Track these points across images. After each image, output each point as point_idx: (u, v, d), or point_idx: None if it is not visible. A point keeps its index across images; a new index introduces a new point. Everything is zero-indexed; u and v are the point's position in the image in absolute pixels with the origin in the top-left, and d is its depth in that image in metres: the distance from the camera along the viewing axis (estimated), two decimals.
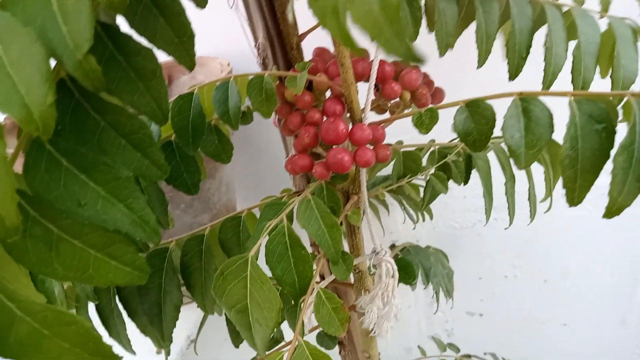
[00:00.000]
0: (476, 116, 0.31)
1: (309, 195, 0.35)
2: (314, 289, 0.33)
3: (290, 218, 0.35)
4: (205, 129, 0.34)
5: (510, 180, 0.50)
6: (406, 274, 0.53)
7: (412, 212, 0.69)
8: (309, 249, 0.36)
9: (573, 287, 0.92)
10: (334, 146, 0.34)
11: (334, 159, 0.33)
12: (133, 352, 0.48)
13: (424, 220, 0.70)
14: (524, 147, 0.29)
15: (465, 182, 0.49)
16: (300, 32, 0.37)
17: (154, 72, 0.25)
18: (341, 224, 0.40)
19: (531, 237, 0.89)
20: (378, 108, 0.43)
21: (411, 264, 0.54)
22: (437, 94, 0.42)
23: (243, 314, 0.31)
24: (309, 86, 0.37)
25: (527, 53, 0.37)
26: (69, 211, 0.23)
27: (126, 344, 0.46)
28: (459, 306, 1.01)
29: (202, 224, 0.73)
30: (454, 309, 1.01)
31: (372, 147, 0.34)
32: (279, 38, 0.36)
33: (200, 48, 0.82)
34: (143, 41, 0.25)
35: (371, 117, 0.36)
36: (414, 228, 0.91)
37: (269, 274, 0.32)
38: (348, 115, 0.36)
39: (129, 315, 0.45)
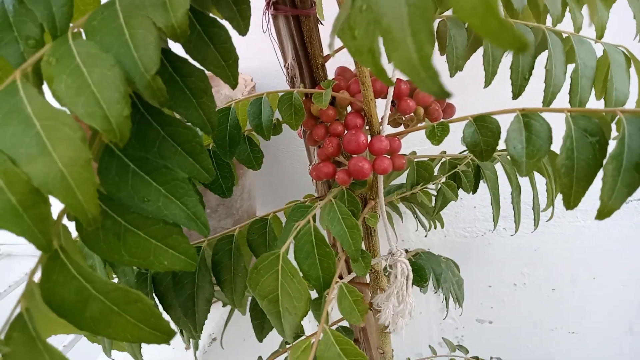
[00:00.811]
0: (483, 129, 0.35)
1: (332, 199, 0.39)
2: (337, 283, 0.37)
3: (314, 219, 0.39)
4: (239, 139, 0.39)
5: (516, 189, 0.54)
6: (418, 277, 0.57)
7: (424, 220, 0.73)
8: None
9: (581, 295, 0.95)
10: (354, 155, 0.38)
11: (355, 166, 0.37)
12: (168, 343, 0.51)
13: (435, 228, 0.74)
14: (525, 157, 0.33)
15: (474, 191, 0.53)
16: (325, 54, 0.42)
17: (205, 91, 0.30)
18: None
19: (540, 246, 0.92)
20: (394, 122, 0.47)
21: (423, 268, 0.58)
22: (448, 109, 0.46)
23: (274, 303, 0.36)
24: (332, 102, 0.41)
25: (530, 75, 0.41)
26: (136, 207, 0.27)
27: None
28: (469, 313, 1.04)
29: (225, 229, 0.78)
30: (464, 316, 1.04)
31: (389, 157, 0.38)
32: (306, 59, 0.41)
33: None
34: (196, 64, 0.30)
35: (388, 130, 0.40)
36: (425, 236, 0.95)
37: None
38: (367, 127, 0.40)
39: (165, 308, 0.49)
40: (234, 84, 0.32)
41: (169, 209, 0.28)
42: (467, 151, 0.36)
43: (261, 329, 0.56)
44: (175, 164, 0.29)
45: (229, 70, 0.31)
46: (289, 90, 0.39)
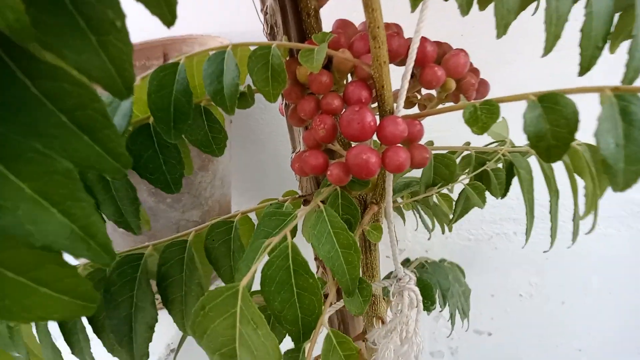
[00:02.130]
0: (552, 115, 0.23)
1: (321, 205, 0.27)
2: (322, 329, 0.25)
3: (293, 232, 0.27)
4: (192, 111, 0.26)
5: (555, 195, 0.42)
6: (425, 298, 0.46)
7: (428, 220, 0.61)
8: (312, 266, 0.28)
9: (592, 310, 0.85)
10: (356, 143, 0.26)
11: (356, 159, 0.25)
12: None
13: (432, 229, 0.62)
14: (622, 161, 0.21)
15: (503, 195, 0.41)
16: None
17: (114, 22, 0.17)
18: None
19: (551, 255, 0.81)
20: (406, 100, 0.35)
21: (430, 287, 0.47)
22: (482, 88, 0.34)
23: (232, 359, 0.24)
24: (328, 65, 0.29)
25: (605, 42, 0.29)
26: None
27: None
28: (466, 323, 0.93)
29: (191, 221, 0.65)
30: (460, 325, 0.93)
31: (405, 148, 0.26)
32: (292, 1, 0.28)
33: (201, 27, 0.74)
34: None
35: (402, 110, 0.28)
36: (429, 238, 0.83)
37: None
38: (376, 105, 0.28)
39: (95, 331, 0.38)
40: (169, 19, 0.19)
41: (37, 223, 0.16)
42: (528, 144, 0.25)
43: None
44: (59, 145, 0.17)
45: None
46: (265, 43, 0.26)
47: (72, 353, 0.38)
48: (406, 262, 0.55)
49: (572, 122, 0.23)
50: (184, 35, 0.70)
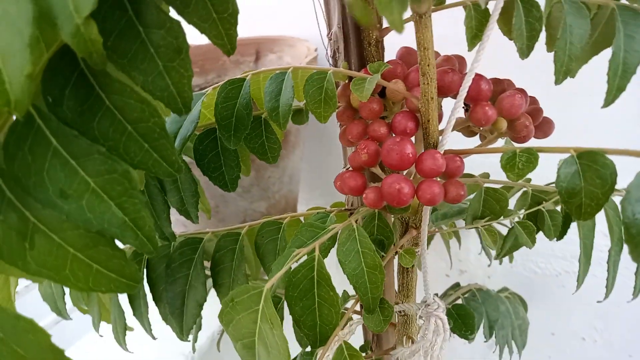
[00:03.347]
0: (589, 173, 0.23)
1: (354, 224, 0.28)
2: (336, 339, 0.27)
3: (327, 248, 0.30)
4: (251, 122, 0.29)
5: (617, 244, 0.40)
6: (464, 325, 0.45)
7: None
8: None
9: None
10: (393, 172, 0.28)
11: (390, 188, 0.26)
12: (153, 337, 0.45)
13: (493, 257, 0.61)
14: None
15: (559, 238, 0.40)
16: (383, 26, 0.31)
17: (179, 51, 0.20)
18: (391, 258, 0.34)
19: (621, 301, 0.75)
20: (466, 130, 0.35)
21: (472, 316, 0.46)
22: (544, 127, 0.34)
23: (250, 350, 0.26)
24: (382, 93, 0.30)
25: None
26: (47, 201, 0.19)
27: (147, 326, 0.44)
28: (522, 357, 0.89)
29: (258, 212, 0.70)
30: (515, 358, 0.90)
31: (441, 182, 0.27)
32: (355, 29, 0.30)
33: (290, 29, 0.78)
34: (173, 12, 0.21)
35: (450, 144, 0.29)
36: (488, 265, 0.81)
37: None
38: (422, 137, 0.29)
39: (154, 299, 0.43)
40: (228, 49, 0.22)
41: (96, 211, 0.20)
42: (560, 200, 0.24)
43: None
44: (123, 149, 0.20)
45: (223, 27, 0.22)
46: (322, 69, 0.28)
47: (134, 315, 0.43)
48: (455, 287, 0.54)
49: (607, 183, 0.23)
50: (275, 36, 0.74)
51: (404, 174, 0.30)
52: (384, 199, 0.27)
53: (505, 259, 0.85)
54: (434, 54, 0.26)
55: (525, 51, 0.27)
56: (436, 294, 0.52)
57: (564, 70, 0.27)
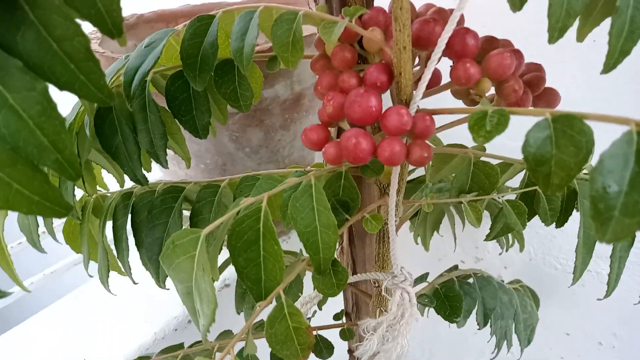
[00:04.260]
0: (563, 140, 0.20)
1: (312, 179, 0.27)
2: (278, 295, 0.26)
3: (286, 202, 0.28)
4: (214, 63, 0.28)
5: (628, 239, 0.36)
6: (450, 308, 0.43)
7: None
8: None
9: None
10: (354, 127, 0.25)
11: (347, 142, 0.24)
12: (133, 282, 0.46)
13: (509, 245, 0.57)
14: (618, 210, 0.18)
15: (560, 224, 0.37)
16: None
17: None
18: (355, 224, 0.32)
19: None
20: (467, 97, 0.32)
21: (459, 298, 0.44)
22: (547, 97, 0.30)
23: (189, 295, 0.26)
24: (361, 42, 0.28)
25: None
26: None
27: (127, 270, 0.44)
28: (533, 355, 0.85)
29: None
30: (525, 357, 0.86)
31: (403, 141, 0.25)
32: None
33: None
34: None
35: (426, 102, 0.26)
36: (500, 254, 0.77)
37: None
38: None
39: (136, 244, 0.43)
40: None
41: (11, 128, 0.19)
42: (525, 167, 0.21)
43: (242, 300, 0.48)
44: (47, 68, 0.19)
45: None
46: (293, 9, 0.26)
47: (117, 257, 0.44)
48: (453, 269, 0.52)
49: (582, 152, 0.20)
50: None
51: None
52: (342, 155, 0.25)
53: (527, 250, 0.81)
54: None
55: (517, 2, 0.24)
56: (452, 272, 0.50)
57: (560, 27, 0.23)
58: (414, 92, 0.26)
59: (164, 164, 0.33)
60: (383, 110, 0.25)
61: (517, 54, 0.27)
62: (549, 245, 0.75)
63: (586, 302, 0.74)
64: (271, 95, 0.59)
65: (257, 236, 0.25)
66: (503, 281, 0.59)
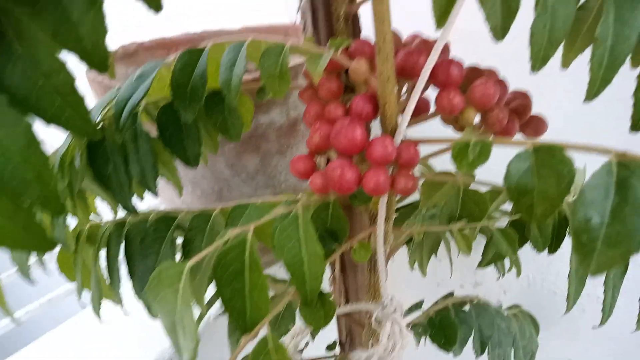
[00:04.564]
0: (545, 170, 0.20)
1: (300, 209, 0.27)
2: (264, 328, 0.26)
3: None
4: (204, 94, 0.28)
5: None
6: (444, 336, 0.43)
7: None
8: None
9: None
10: (340, 157, 0.26)
11: (332, 173, 0.24)
12: (126, 313, 0.45)
13: (510, 270, 0.56)
14: (600, 241, 0.17)
15: (552, 251, 0.36)
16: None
17: (94, 2, 0.20)
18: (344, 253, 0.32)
19: None
20: (456, 123, 0.32)
21: (454, 326, 0.43)
22: (533, 125, 0.30)
23: (173, 329, 0.25)
24: (347, 73, 0.28)
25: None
26: None
27: (119, 300, 0.44)
28: None
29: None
30: None
31: (388, 171, 0.25)
32: (325, 3, 0.28)
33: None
34: None
35: (414, 131, 0.26)
36: (497, 279, 0.77)
37: None
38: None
39: (129, 273, 0.43)
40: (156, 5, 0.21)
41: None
42: (508, 197, 0.21)
43: (234, 330, 0.47)
44: (34, 100, 0.20)
45: None
46: (280, 43, 0.27)
47: (110, 285, 0.43)
48: (449, 296, 0.51)
49: (564, 182, 0.20)
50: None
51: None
52: (328, 185, 0.25)
53: (525, 275, 0.80)
54: (390, 27, 0.23)
55: (499, 32, 0.24)
56: (448, 300, 0.49)
57: (542, 56, 0.24)
58: (399, 122, 0.26)
59: (154, 193, 0.33)
60: (370, 139, 0.25)
61: (501, 83, 0.28)
62: (546, 270, 0.74)
63: (587, 328, 0.73)
64: (267, 121, 0.60)
65: (242, 267, 0.25)
66: (502, 307, 0.59)
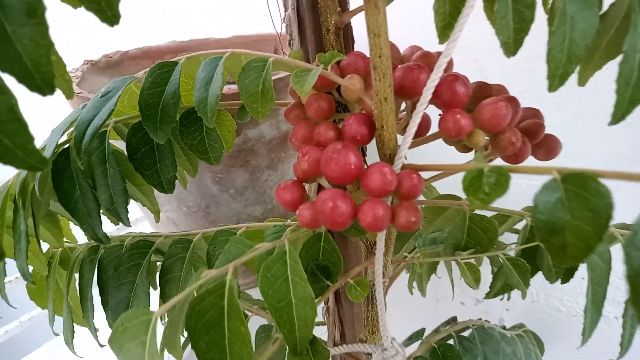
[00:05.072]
0: (577, 203, 0.17)
1: (286, 244, 0.23)
2: None
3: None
4: (176, 114, 0.25)
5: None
6: None
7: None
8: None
9: None
10: (332, 187, 0.22)
11: (323, 205, 0.21)
12: (100, 344, 0.42)
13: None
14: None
15: (565, 281, 0.33)
16: (352, 8, 0.26)
17: (33, 11, 0.16)
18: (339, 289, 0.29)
19: None
20: (460, 144, 0.29)
21: (459, 357, 0.40)
22: (547, 145, 0.27)
23: None
24: (339, 90, 0.25)
25: None
26: None
27: (93, 331, 0.40)
28: None
29: (253, 216, 0.66)
30: None
31: (387, 203, 0.21)
32: (313, 12, 0.25)
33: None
34: None
35: (417, 155, 0.23)
36: (501, 299, 0.73)
37: None
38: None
39: (102, 303, 0.39)
40: (112, 19, 0.18)
41: None
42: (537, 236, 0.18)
43: None
44: None
45: None
46: (263, 56, 0.23)
47: (83, 316, 0.40)
48: (451, 321, 0.48)
49: (602, 218, 0.16)
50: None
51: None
52: (319, 219, 0.22)
53: (529, 292, 0.77)
54: (387, 41, 0.20)
55: (511, 47, 0.21)
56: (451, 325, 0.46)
57: (560, 74, 0.21)
58: (399, 146, 0.23)
59: (125, 222, 0.30)
60: (365, 166, 0.22)
61: (513, 101, 0.25)
62: (551, 287, 0.71)
63: (593, 350, 0.69)
64: (256, 135, 0.57)
65: (220, 315, 0.22)
66: (505, 327, 0.56)
